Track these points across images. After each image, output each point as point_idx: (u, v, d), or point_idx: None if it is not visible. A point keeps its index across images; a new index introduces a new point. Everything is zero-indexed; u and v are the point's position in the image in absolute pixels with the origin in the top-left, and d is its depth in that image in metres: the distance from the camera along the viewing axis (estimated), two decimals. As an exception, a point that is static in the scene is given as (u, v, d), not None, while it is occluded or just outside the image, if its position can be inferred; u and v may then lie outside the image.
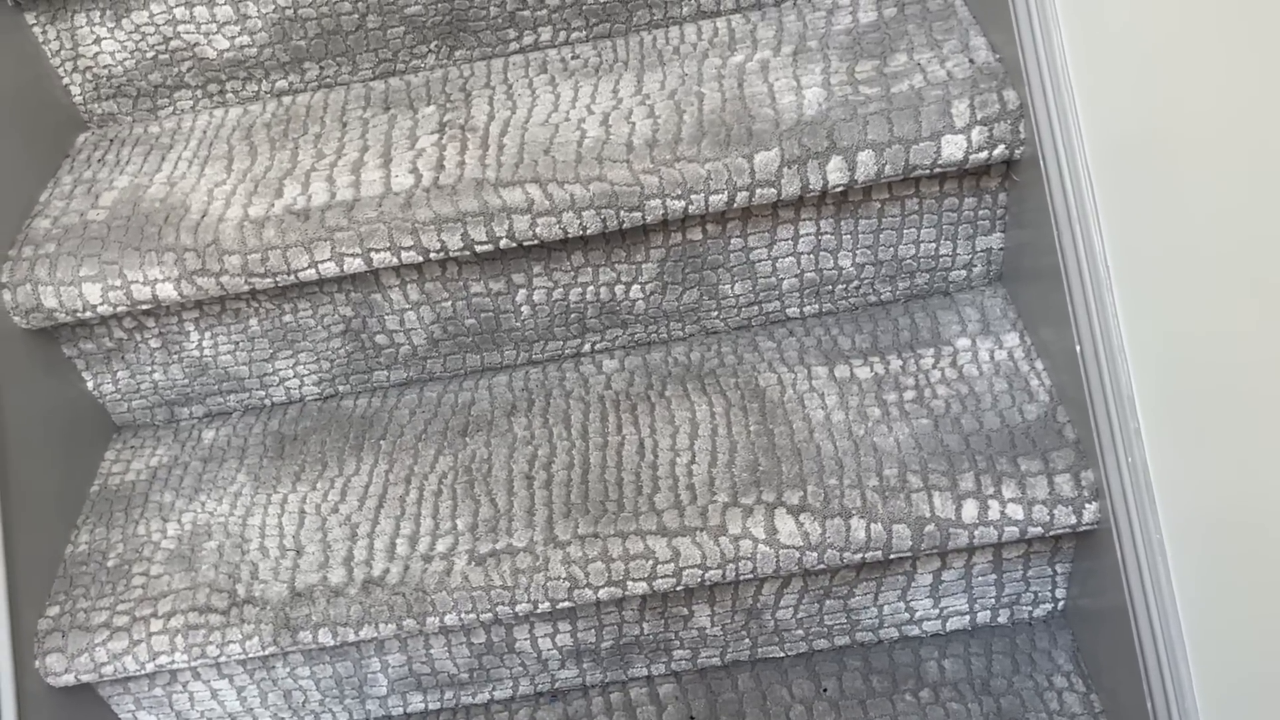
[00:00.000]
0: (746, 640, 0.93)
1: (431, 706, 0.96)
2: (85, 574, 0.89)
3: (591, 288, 0.94)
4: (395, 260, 0.87)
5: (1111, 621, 0.82)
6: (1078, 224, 0.77)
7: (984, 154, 0.84)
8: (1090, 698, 0.87)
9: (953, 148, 0.83)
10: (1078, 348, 0.79)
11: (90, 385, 0.98)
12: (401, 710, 0.96)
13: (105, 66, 1.01)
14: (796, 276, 0.95)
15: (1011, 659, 0.91)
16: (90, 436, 0.98)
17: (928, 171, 0.85)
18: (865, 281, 0.96)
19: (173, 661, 0.84)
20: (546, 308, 0.96)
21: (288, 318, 0.95)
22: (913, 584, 0.90)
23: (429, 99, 0.98)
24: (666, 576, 0.82)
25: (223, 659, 0.84)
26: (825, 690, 0.91)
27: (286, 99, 1.03)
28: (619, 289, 0.95)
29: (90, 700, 0.91)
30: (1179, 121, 0.64)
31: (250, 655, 0.84)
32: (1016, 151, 0.84)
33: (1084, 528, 0.80)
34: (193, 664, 0.84)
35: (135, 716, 0.94)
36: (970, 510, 0.80)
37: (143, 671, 0.84)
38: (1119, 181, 0.73)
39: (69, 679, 0.85)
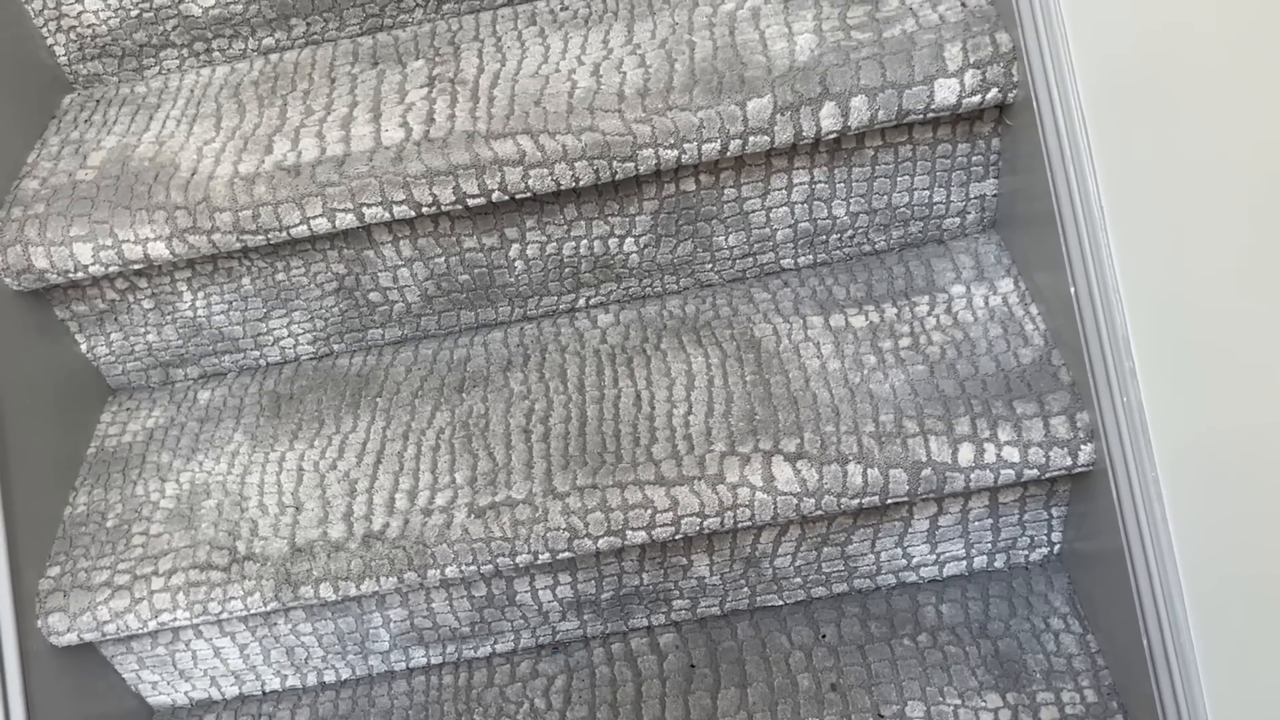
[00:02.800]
0: (745, 589, 0.94)
1: (434, 660, 0.96)
2: (85, 534, 0.89)
3: (585, 241, 0.94)
4: (387, 215, 0.86)
5: (1108, 563, 0.82)
6: (1072, 166, 0.77)
7: (977, 98, 0.84)
8: (1086, 639, 0.88)
9: (946, 92, 0.83)
10: (1072, 290, 0.79)
11: (84, 348, 0.98)
12: (404, 664, 0.96)
13: (89, 26, 1.00)
14: (790, 227, 0.95)
15: (1008, 602, 0.91)
16: (85, 399, 0.98)
17: (921, 117, 0.84)
18: (859, 230, 0.96)
19: (175, 619, 0.84)
20: (540, 262, 0.95)
21: (280, 276, 0.94)
22: (909, 530, 0.90)
23: (417, 53, 0.97)
24: (665, 525, 0.82)
25: (224, 615, 0.84)
26: (824, 637, 0.92)
27: (274, 56, 1.02)
28: (613, 242, 0.94)
29: (93, 660, 0.92)
30: (1174, 61, 0.64)
31: (252, 611, 0.84)
32: (1010, 95, 0.84)
33: (1079, 469, 0.81)
34: (195, 621, 0.84)
35: (138, 675, 0.95)
36: (966, 454, 0.80)
37: (145, 630, 0.85)
38: (1113, 122, 0.73)
39: (71, 638, 0.85)
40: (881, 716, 0.86)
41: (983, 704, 0.86)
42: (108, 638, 0.86)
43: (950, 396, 0.83)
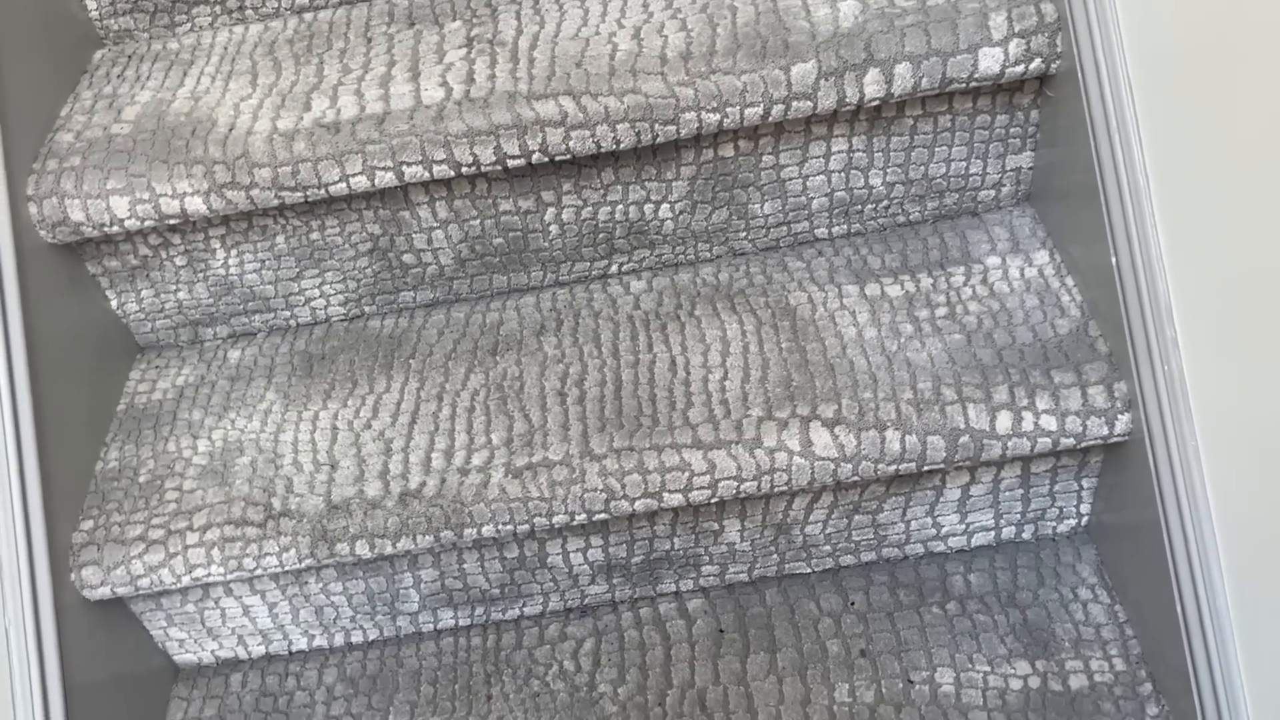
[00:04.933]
0: (775, 556, 0.94)
1: (462, 622, 0.97)
2: (117, 489, 0.89)
3: (621, 207, 0.94)
4: (426, 174, 0.86)
5: (1141, 534, 0.83)
6: (1117, 136, 0.77)
7: (1020, 68, 0.84)
8: (1114, 609, 0.89)
9: (990, 61, 0.83)
10: (1113, 260, 0.79)
11: (114, 304, 0.97)
12: (432, 626, 0.97)
13: (121, -20, 0.99)
14: (827, 195, 0.95)
15: (1036, 573, 0.92)
16: (115, 356, 0.98)
17: (963, 86, 0.84)
18: (895, 201, 0.96)
19: (209, 575, 0.84)
20: (575, 227, 0.95)
21: (315, 235, 0.94)
22: (941, 499, 0.91)
23: (454, 14, 0.96)
24: (702, 489, 0.83)
25: (259, 571, 0.84)
26: (853, 604, 0.93)
27: (308, 15, 1.01)
28: (648, 208, 0.94)
29: (122, 616, 0.92)
30: (1227, 31, 0.64)
31: (287, 568, 0.84)
32: (1052, 66, 0.84)
33: (1116, 439, 0.81)
34: (229, 577, 0.84)
35: (166, 633, 0.95)
36: (1004, 421, 0.81)
37: (179, 585, 0.85)
38: (1160, 93, 0.73)
39: (105, 591, 0.85)
40: (911, 682, 0.87)
41: (1012, 671, 0.86)
42: (140, 592, 0.86)
43: (988, 365, 0.84)
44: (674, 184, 0.93)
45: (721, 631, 0.93)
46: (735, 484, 0.82)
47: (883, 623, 0.91)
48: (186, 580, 0.85)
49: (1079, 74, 0.81)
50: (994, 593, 0.91)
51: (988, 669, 0.87)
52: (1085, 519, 0.94)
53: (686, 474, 0.82)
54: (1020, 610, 0.90)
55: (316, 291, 0.98)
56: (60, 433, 0.87)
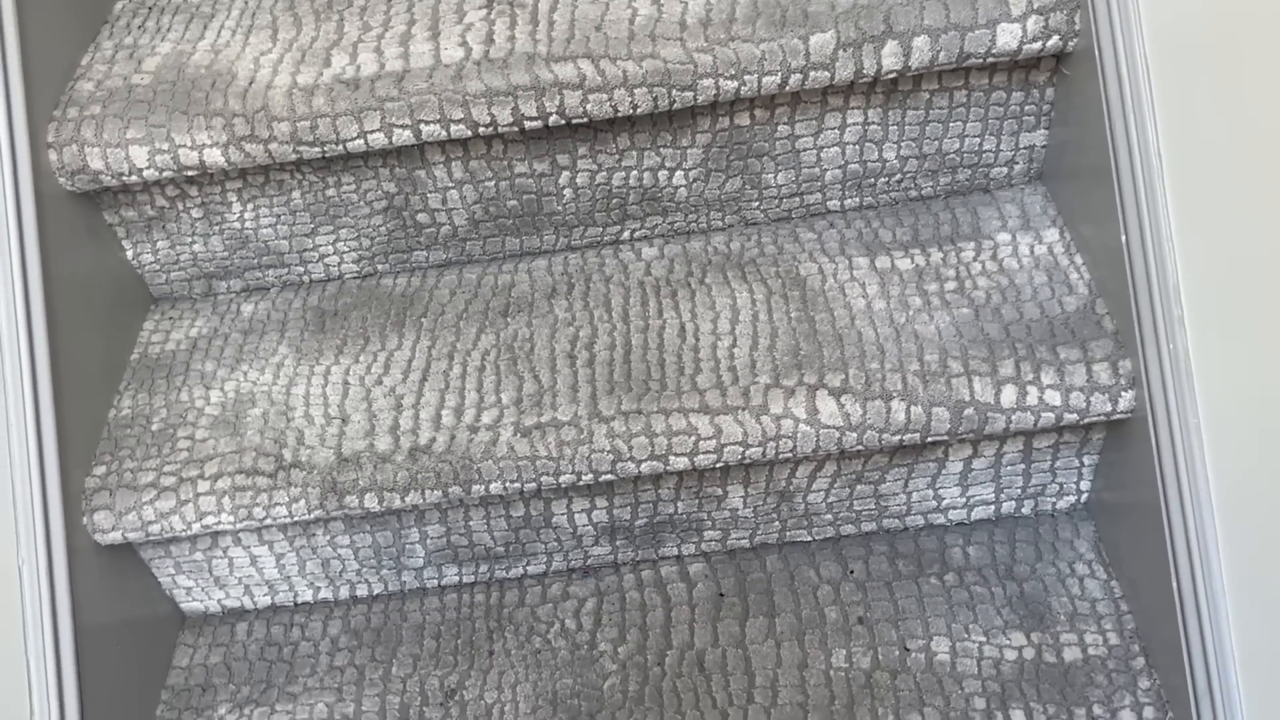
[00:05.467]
0: (776, 523, 0.96)
1: (466, 579, 0.98)
2: (130, 437, 0.90)
3: (635, 172, 0.95)
4: (444, 134, 0.86)
5: (1139, 511, 0.84)
6: (1132, 116, 0.78)
7: (1038, 44, 0.84)
8: (1111, 584, 0.90)
9: (1008, 36, 0.83)
10: (1123, 239, 0.80)
11: (130, 254, 0.98)
12: (436, 582, 0.98)
13: (143, -69, 0.99)
14: (840, 168, 0.95)
15: (1035, 547, 0.93)
16: (129, 306, 0.99)
17: (980, 61, 0.85)
18: (907, 175, 0.96)
19: (219, 523, 0.86)
20: (589, 191, 0.96)
21: (330, 191, 0.95)
22: (943, 472, 0.92)
23: (475, -25, 0.96)
24: (708, 453, 0.84)
25: (268, 521, 0.85)
26: (852, 572, 0.94)
27: (328, -28, 1.01)
28: (662, 174, 0.95)
29: (131, 563, 0.93)
30: (1247, 13, 0.65)
31: (296, 519, 0.85)
32: (1070, 44, 0.85)
33: (1119, 416, 0.82)
34: (238, 526, 0.86)
35: (174, 580, 0.96)
36: (1009, 395, 0.82)
37: (189, 532, 0.86)
38: (1178, 74, 0.73)
39: (116, 536, 0.86)
40: (907, 650, 0.88)
41: (1007, 642, 0.88)
42: (151, 538, 0.87)
43: (995, 340, 0.85)
44: (689, 151, 0.93)
45: (722, 595, 0.94)
46: (741, 449, 0.83)
47: (881, 591, 0.92)
48: (197, 527, 0.86)
49: (1096, 53, 0.81)
50: (992, 565, 0.93)
51: (983, 639, 0.88)
52: (1085, 496, 0.95)
53: (693, 438, 0.83)
54: (1017, 583, 0.91)
55: (330, 248, 0.99)
56: (75, 379, 0.88)
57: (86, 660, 0.84)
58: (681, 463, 0.84)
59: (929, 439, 0.83)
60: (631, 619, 0.94)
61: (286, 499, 0.85)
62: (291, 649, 0.96)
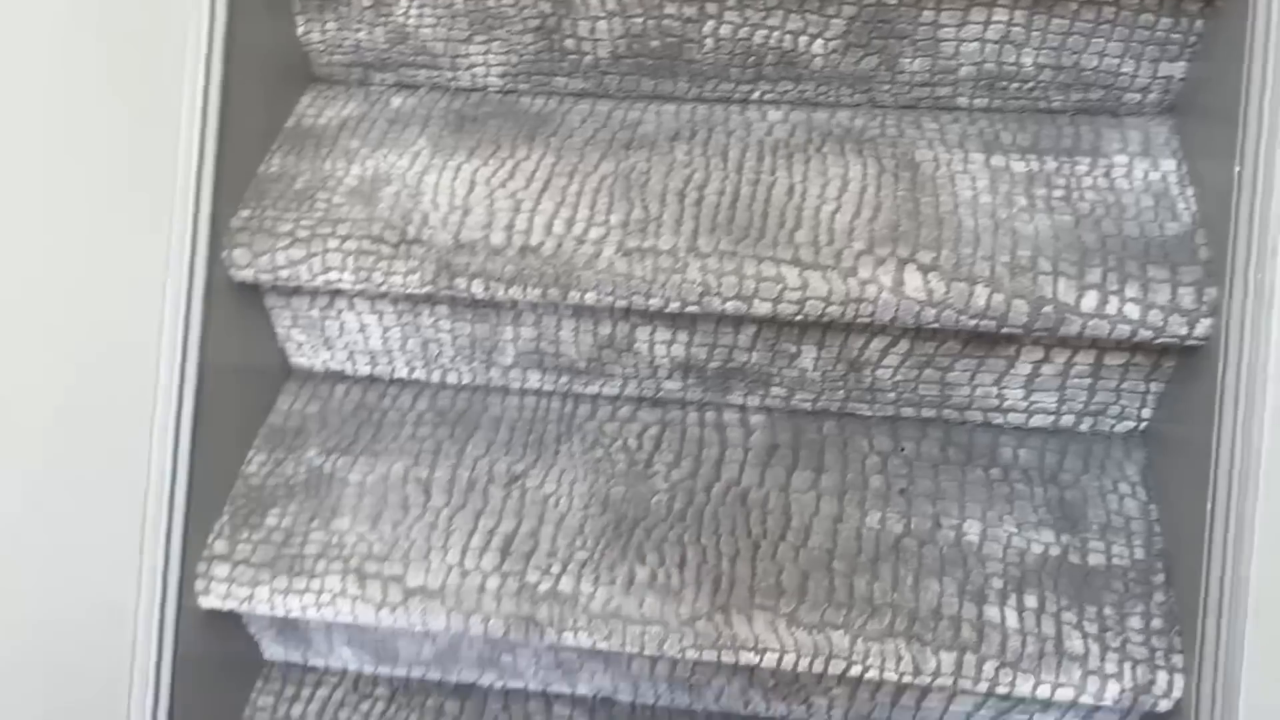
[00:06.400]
0: (840, 392, 1.01)
1: (546, 387, 1.06)
2: (274, 190, 0.99)
3: (778, 33, 0.98)
4: (606, -39, 0.91)
5: (1192, 443, 0.87)
6: (1272, 57, 0.79)
7: (1197, -32, 0.85)
8: (1149, 507, 0.93)
9: (1169, -45, 0.84)
10: (1236, 169, 0.82)
11: (301, 30, 1.06)
12: (519, 384, 1.06)
13: None
14: (975, 65, 0.98)
15: (1084, 461, 0.97)
16: (293, 80, 1.07)
17: (1136, -24, 0.86)
18: (1040, 85, 0.98)
19: (340, 280, 0.94)
20: (729, 44, 1.00)
21: (490, 2, 1.01)
22: (1011, 371, 0.95)
23: None
24: (791, 303, 0.89)
25: (385, 288, 0.94)
26: (903, 449, 0.99)
27: None
28: (803, 40, 0.99)
29: (256, 307, 1.03)
30: None
31: (409, 290, 0.93)
32: (1229, -26, 0.85)
33: (1193, 341, 0.85)
34: (357, 287, 0.94)
35: (289, 333, 1.06)
36: (1090, 300, 0.85)
37: (313, 283, 0.95)
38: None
39: (248, 274, 0.96)
40: (940, 525, 0.93)
41: (1036, 537, 0.92)
42: (278, 283, 0.96)
43: (1089, 248, 0.87)
44: (833, 20, 0.97)
45: (775, 446, 1.00)
46: (823, 305, 0.88)
47: (926, 471, 0.97)
48: (320, 281, 0.95)
49: (1252, -15, 0.82)
50: (1039, 469, 0.97)
51: (1014, 530, 0.93)
52: (1144, 424, 0.97)
53: (780, 286, 0.89)
54: (1059, 489, 0.95)
55: (480, 59, 1.05)
56: (237, 137, 0.96)
57: (204, 393, 0.93)
58: (764, 308, 0.90)
59: (1004, 329, 0.87)
60: (688, 450, 1.01)
61: (404, 269, 0.93)
62: (381, 415, 1.05)
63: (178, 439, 0.91)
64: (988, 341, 0.93)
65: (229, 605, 0.95)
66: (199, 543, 0.96)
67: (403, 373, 1.07)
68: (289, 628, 1.04)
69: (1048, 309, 0.85)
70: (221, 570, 0.95)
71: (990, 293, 0.86)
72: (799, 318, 0.90)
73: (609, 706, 1.05)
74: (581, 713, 1.05)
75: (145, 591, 0.91)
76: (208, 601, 0.95)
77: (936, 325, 0.88)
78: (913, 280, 0.87)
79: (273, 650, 1.08)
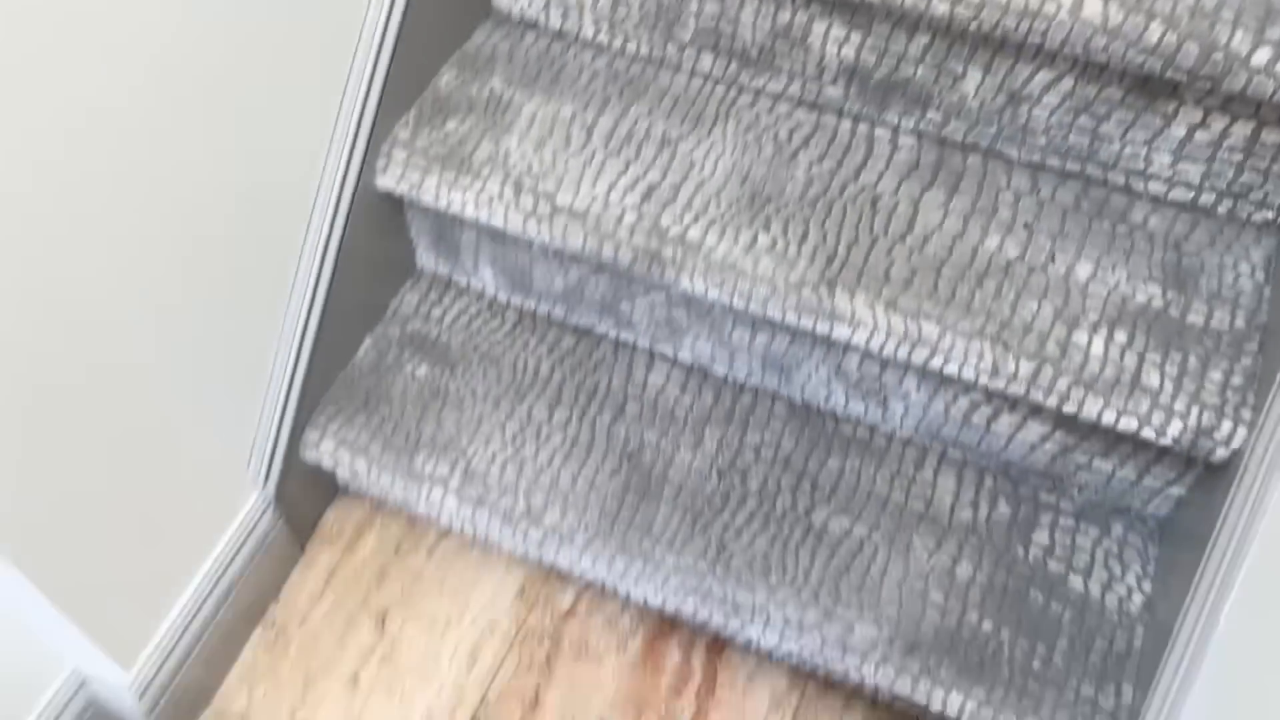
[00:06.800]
0: (993, 129, 1.04)
1: (715, 72, 1.12)
2: None
3: None
4: None
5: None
6: None
7: None
8: (1264, 290, 0.96)
9: None
10: None
11: None
12: (691, 63, 1.13)
13: None
14: None
15: (1211, 237, 0.99)
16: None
17: None
18: None
19: (555, -85, 1.01)
20: None
21: None
22: (1165, 132, 0.97)
23: None
24: (970, 5, 0.92)
25: (592, -72, 1.01)
26: (1038, 191, 1.03)
27: None
28: None
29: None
30: None
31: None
32: None
33: (1356, 115, 0.85)
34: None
35: (496, -25, 1.14)
36: (1262, 56, 0.86)
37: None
38: None
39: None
40: (1054, 260, 0.98)
41: (1143, 288, 0.96)
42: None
43: (1275, 9, 0.88)
44: None
45: (916, 166, 1.05)
46: (1000, 14, 0.91)
47: (1055, 214, 1.01)
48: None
49: None
50: (1165, 234, 0.99)
51: (1124, 277, 0.96)
52: (1283, 217, 0.99)
53: (962, -10, 0.92)
54: (1179, 254, 0.98)
55: None
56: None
57: (409, 16, 1.04)
58: (942, 9, 0.93)
59: (1168, 73, 0.89)
60: (834, 153, 1.06)
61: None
62: (562, 64, 1.14)
63: (381, 44, 1.02)
64: (1149, 93, 0.95)
65: (402, 188, 1.07)
66: (385, 131, 1.08)
67: (589, 32, 1.15)
68: (443, 238, 1.17)
69: (1217, 55, 0.86)
70: (400, 155, 1.07)
71: (1165, 30, 0.87)
72: (974, 25, 0.93)
73: (703, 376, 1.16)
74: (679, 374, 1.16)
75: (331, 164, 1.03)
76: (384, 181, 1.07)
77: (1105, 58, 0.90)
78: (1092, 6, 0.89)
79: (425, 259, 1.21)
